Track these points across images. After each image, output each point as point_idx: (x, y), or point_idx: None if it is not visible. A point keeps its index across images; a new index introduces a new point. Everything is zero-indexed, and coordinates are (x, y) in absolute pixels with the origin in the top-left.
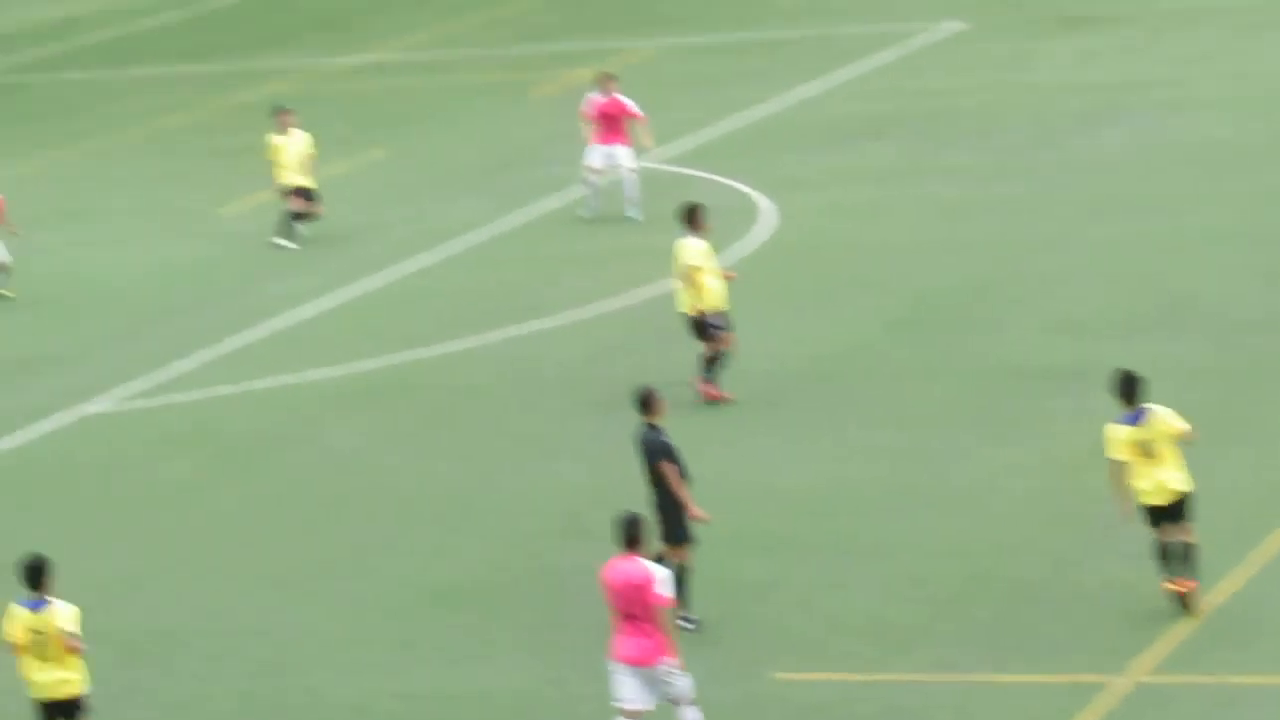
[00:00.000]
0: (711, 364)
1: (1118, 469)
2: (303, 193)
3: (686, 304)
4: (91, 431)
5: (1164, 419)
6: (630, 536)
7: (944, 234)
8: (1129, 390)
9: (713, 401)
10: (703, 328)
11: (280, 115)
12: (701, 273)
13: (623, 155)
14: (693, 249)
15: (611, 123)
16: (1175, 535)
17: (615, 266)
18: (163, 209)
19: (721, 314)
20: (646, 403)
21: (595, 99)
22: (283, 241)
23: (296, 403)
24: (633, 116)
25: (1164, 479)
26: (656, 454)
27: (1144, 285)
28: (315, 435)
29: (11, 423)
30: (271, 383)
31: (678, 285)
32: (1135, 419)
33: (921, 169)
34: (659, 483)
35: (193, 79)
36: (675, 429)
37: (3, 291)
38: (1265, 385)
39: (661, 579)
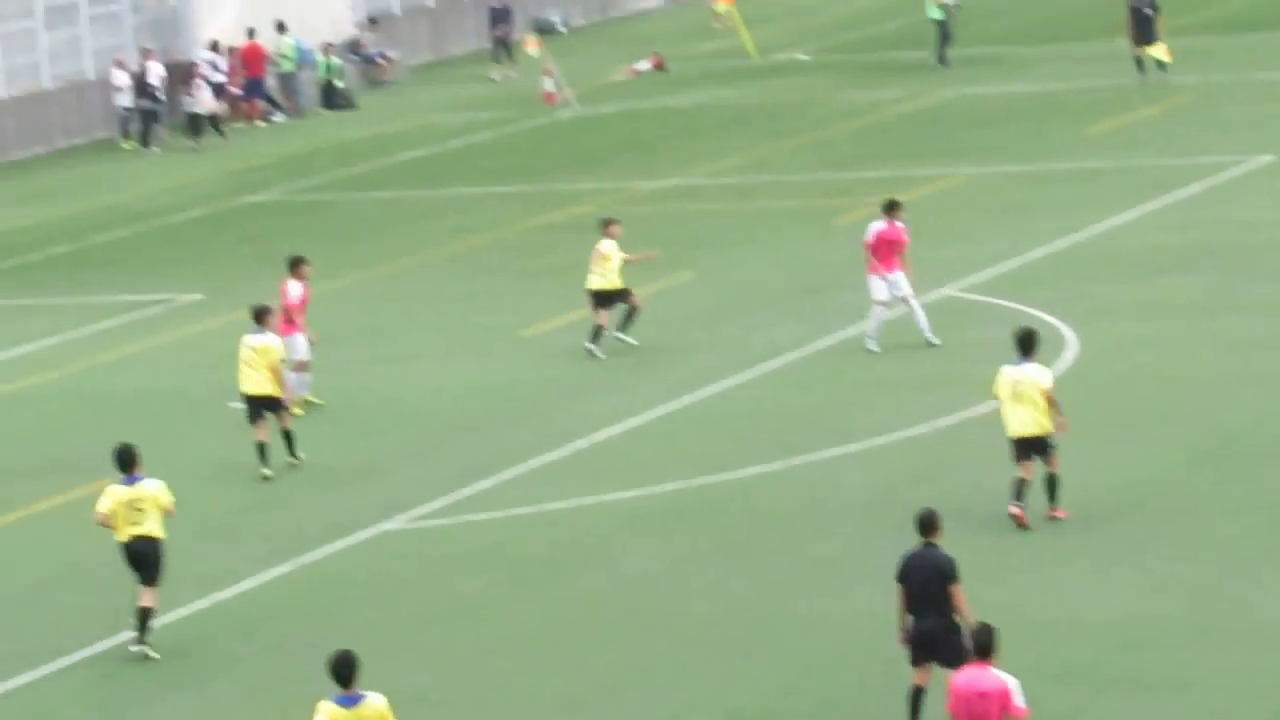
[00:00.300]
0: (1020, 488)
1: None
2: (619, 295)
3: (1040, 426)
4: (390, 546)
5: None
6: (983, 645)
7: (1250, 368)
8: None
9: (1021, 526)
10: (1040, 447)
11: (608, 226)
12: (1051, 396)
13: (902, 283)
14: (1044, 375)
15: (892, 250)
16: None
17: (917, 392)
18: (466, 328)
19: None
20: (930, 524)
21: (878, 227)
22: (607, 345)
23: (593, 524)
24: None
25: None
26: (949, 575)
27: None
28: (610, 556)
29: (315, 536)
30: (569, 503)
31: (1017, 408)
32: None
33: (1228, 302)
34: (937, 604)
35: (499, 200)
36: (975, 553)
37: (311, 398)
38: None
39: (1016, 688)
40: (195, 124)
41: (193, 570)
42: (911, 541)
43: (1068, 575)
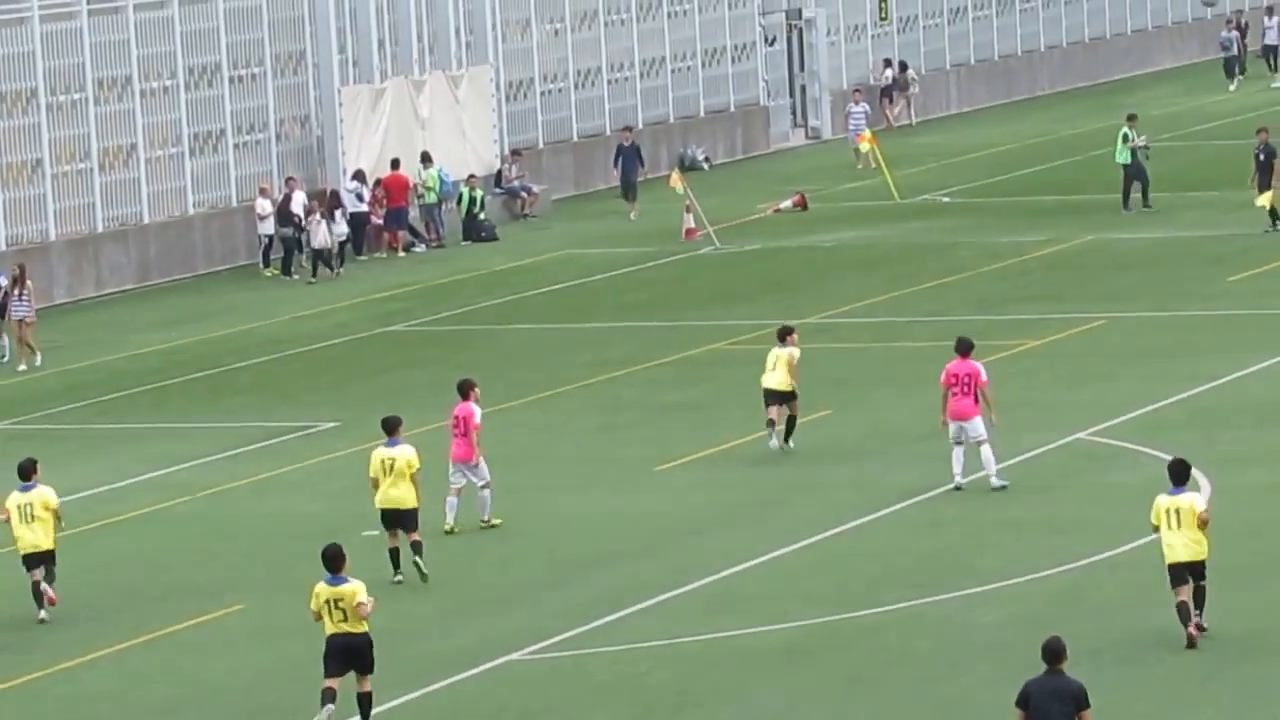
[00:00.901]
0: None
1: None
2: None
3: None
4: (516, 677)
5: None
6: None
7: None
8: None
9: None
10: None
11: (785, 334)
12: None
13: (970, 429)
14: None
15: (965, 389)
16: None
17: (1050, 534)
18: (601, 460)
19: None
20: (1057, 652)
21: (953, 366)
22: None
23: (720, 659)
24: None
25: None
26: (1082, 702)
27: None
28: (739, 693)
29: (441, 664)
30: (697, 638)
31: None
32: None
33: None
34: None
35: (638, 333)
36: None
37: (494, 519)
38: None
39: None
40: (323, 255)
41: (312, 699)
42: None
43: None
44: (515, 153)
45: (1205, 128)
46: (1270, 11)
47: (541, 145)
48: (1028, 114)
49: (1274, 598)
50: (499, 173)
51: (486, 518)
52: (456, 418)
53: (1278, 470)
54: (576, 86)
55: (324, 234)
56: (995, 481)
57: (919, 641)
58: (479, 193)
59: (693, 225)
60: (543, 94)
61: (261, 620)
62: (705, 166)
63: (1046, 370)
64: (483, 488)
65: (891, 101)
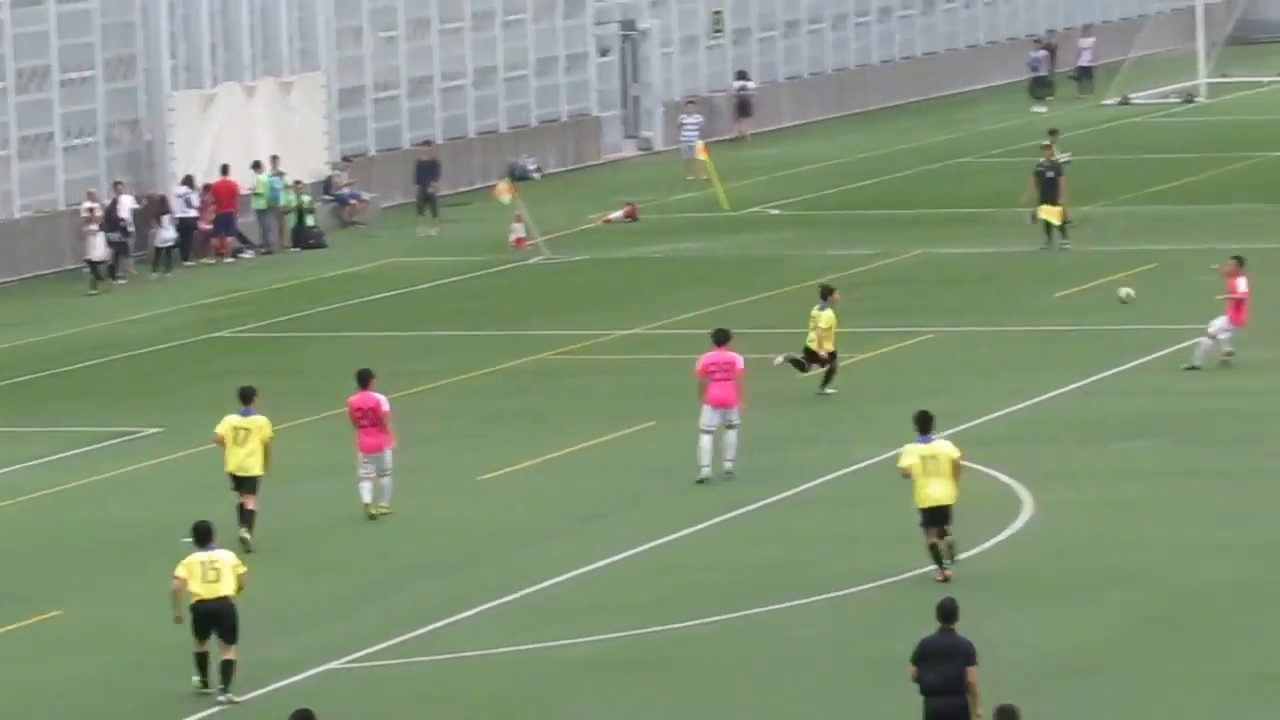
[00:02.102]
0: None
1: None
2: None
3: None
4: (336, 687)
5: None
6: None
7: (1206, 535)
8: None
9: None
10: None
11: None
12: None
13: (732, 415)
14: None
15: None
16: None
17: (873, 547)
18: (425, 470)
19: None
20: (949, 613)
21: (711, 356)
22: None
23: (544, 670)
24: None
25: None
26: (971, 659)
27: None
28: (557, 705)
29: (259, 674)
30: (522, 648)
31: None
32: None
33: (1189, 469)
34: (954, 686)
35: (464, 343)
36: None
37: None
38: None
39: None
40: (161, 257)
41: (132, 705)
42: (864, 692)
43: None
44: (345, 160)
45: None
46: (1087, 31)
47: (373, 153)
48: (860, 128)
49: (1092, 615)
50: (328, 180)
51: (386, 504)
52: (360, 409)
53: (1097, 486)
54: (409, 95)
55: (170, 234)
56: (729, 465)
57: (739, 654)
58: (307, 199)
59: (523, 235)
60: (375, 102)
61: (82, 626)
62: (536, 176)
63: (874, 384)
64: (381, 476)
65: (745, 115)
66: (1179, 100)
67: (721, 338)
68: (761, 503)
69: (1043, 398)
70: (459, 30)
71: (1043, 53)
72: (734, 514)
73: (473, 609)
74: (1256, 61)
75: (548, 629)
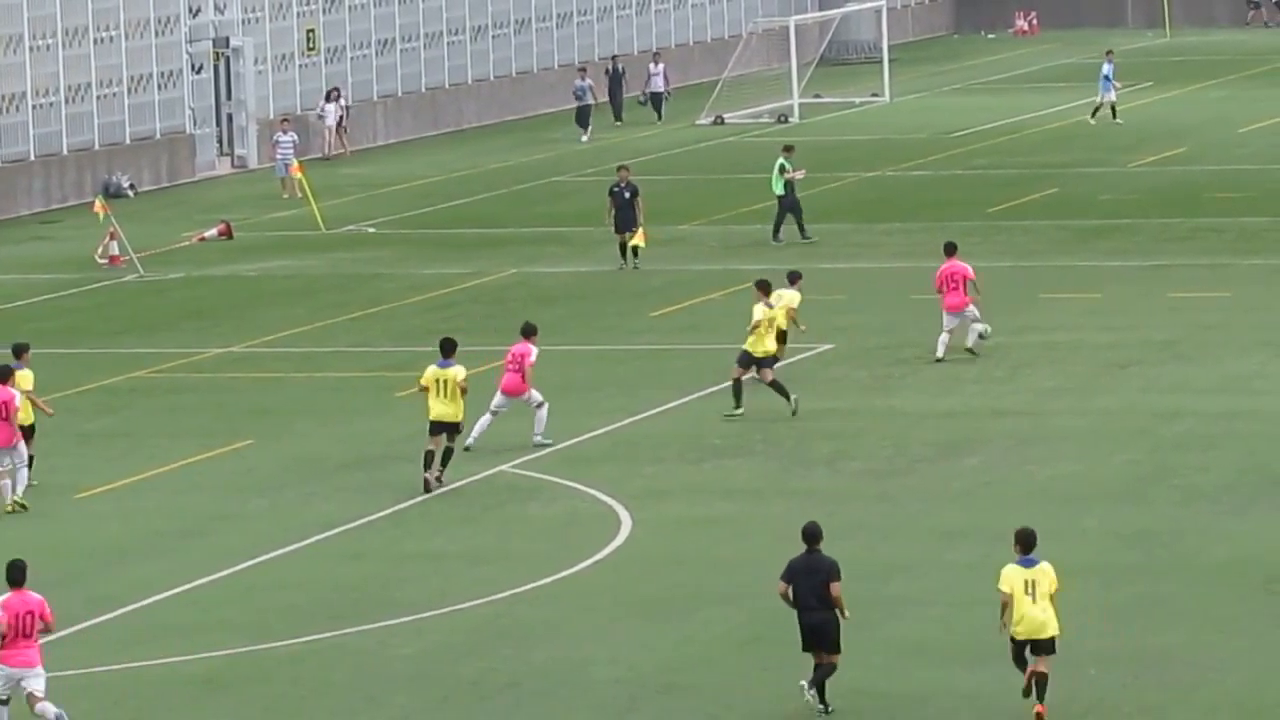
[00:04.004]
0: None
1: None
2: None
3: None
4: None
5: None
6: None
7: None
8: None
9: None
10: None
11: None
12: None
13: (528, 399)
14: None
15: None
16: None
17: (471, 565)
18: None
19: None
20: (814, 535)
21: (517, 348)
22: None
23: (142, 688)
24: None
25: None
26: (834, 575)
27: (993, 615)
28: None
29: None
30: (119, 667)
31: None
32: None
33: (778, 488)
34: (822, 601)
35: (56, 361)
36: None
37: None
38: None
39: None
40: None
41: None
42: (462, 713)
43: None
44: None
45: (638, 162)
46: (656, 58)
47: None
48: (453, 146)
49: (686, 631)
50: None
51: (19, 495)
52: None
53: (696, 503)
54: (2, 111)
55: None
56: (539, 439)
57: (338, 673)
58: None
59: (117, 252)
60: None
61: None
62: (130, 194)
63: (470, 403)
64: (22, 467)
65: (341, 131)
66: (772, 120)
67: (527, 330)
68: (357, 521)
69: (641, 415)
70: (51, 46)
71: (588, 81)
72: (334, 532)
73: (70, 628)
74: (848, 81)
75: (146, 647)
